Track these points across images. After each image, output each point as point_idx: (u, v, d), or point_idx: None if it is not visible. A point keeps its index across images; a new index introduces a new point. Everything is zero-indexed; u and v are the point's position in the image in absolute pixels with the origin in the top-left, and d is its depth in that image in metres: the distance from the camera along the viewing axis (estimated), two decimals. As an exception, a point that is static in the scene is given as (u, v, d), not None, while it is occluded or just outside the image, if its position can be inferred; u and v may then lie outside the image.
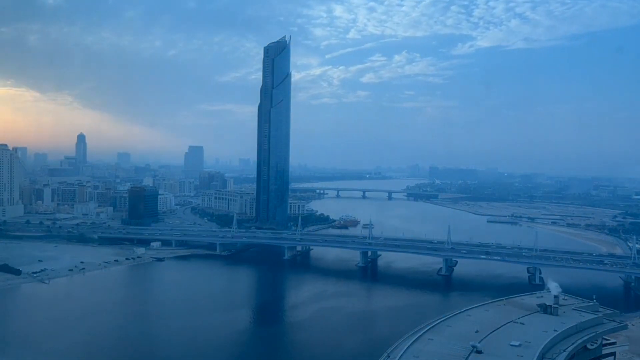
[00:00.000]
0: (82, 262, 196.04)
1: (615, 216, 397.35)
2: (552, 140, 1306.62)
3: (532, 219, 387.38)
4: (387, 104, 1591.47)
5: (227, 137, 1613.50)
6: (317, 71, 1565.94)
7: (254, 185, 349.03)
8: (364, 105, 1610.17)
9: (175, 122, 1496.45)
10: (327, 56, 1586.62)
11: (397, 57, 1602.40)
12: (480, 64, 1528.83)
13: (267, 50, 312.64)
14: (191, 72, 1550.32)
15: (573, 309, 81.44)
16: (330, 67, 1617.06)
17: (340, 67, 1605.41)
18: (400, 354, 61.10)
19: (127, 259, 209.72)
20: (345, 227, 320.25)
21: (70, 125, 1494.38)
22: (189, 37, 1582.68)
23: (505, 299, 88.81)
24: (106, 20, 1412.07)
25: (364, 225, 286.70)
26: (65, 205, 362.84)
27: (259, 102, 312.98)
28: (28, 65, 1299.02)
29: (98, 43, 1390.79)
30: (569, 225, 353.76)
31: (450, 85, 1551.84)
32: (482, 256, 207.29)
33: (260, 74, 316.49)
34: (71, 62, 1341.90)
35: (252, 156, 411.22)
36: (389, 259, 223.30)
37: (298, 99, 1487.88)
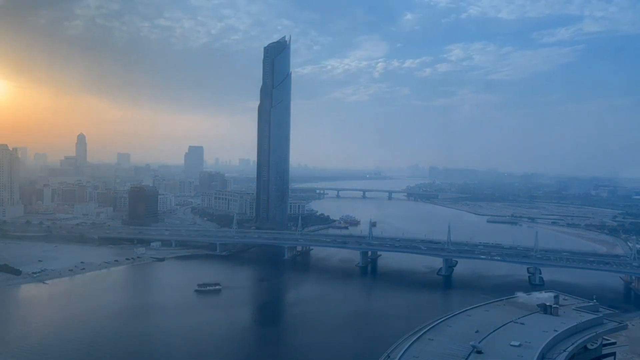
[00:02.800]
0: (82, 262, 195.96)
1: (615, 216, 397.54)
2: (555, 140, 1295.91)
3: (532, 219, 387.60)
4: (419, 102, 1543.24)
5: (231, 136, 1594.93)
6: (377, 63, 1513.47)
7: (254, 185, 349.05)
8: (392, 103, 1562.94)
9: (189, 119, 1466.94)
10: (397, 45, 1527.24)
11: (473, 46, 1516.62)
12: (560, 53, 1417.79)
13: (267, 50, 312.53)
14: (234, 63, 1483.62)
15: (573, 309, 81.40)
16: (381, 60, 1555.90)
17: (394, 61, 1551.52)
18: (400, 354, 61.06)
19: (127, 259, 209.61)
20: (346, 227, 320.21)
21: (72, 125, 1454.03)
22: (255, 22, 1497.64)
23: (505, 299, 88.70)
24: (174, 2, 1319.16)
25: (364, 225, 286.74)
26: (65, 206, 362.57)
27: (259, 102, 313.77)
28: (51, 59, 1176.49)
29: (148, 31, 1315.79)
30: (569, 225, 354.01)
31: (502, 81, 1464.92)
32: (482, 256, 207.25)
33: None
34: (103, 56, 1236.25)
35: (252, 156, 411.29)
36: (389, 259, 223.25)
37: (332, 95, 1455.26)
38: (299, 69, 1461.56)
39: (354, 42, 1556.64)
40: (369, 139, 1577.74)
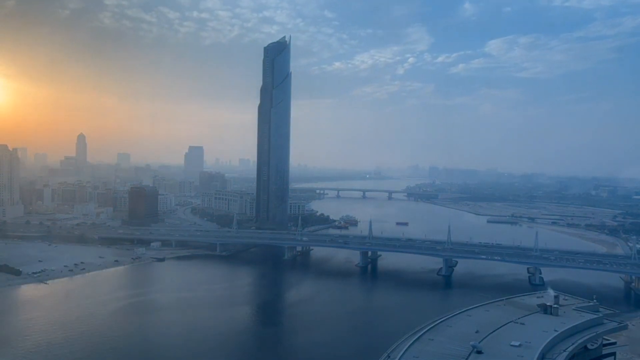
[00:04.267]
0: (82, 263, 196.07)
1: (615, 216, 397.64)
2: (556, 140, 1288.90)
3: (532, 219, 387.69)
4: (434, 101, 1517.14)
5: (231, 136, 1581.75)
6: (407, 58, 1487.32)
7: (254, 186, 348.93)
8: (406, 102, 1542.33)
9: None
10: (441, 38, 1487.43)
11: (521, 40, 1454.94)
12: (607, 47, 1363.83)
13: (267, 50, 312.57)
14: (251, 60, 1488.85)
15: (573, 309, 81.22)
16: (414, 55, 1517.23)
17: (425, 55, 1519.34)
18: (400, 354, 61.00)
19: (127, 259, 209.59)
20: (346, 227, 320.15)
21: (72, 125, 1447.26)
22: (296, 14, 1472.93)
23: (506, 299, 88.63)
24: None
25: (364, 224, 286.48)
26: (65, 206, 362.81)
27: (259, 102, 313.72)
28: (55, 56, 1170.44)
29: (179, 24, 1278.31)
30: (569, 225, 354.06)
31: (529, 79, 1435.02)
32: (482, 256, 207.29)
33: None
34: (116, 53, 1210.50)
35: (253, 156, 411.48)
36: (389, 259, 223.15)
37: (352, 93, 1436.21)
38: (325, 65, 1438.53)
39: (399, 34, 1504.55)
40: (372, 138, 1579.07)
